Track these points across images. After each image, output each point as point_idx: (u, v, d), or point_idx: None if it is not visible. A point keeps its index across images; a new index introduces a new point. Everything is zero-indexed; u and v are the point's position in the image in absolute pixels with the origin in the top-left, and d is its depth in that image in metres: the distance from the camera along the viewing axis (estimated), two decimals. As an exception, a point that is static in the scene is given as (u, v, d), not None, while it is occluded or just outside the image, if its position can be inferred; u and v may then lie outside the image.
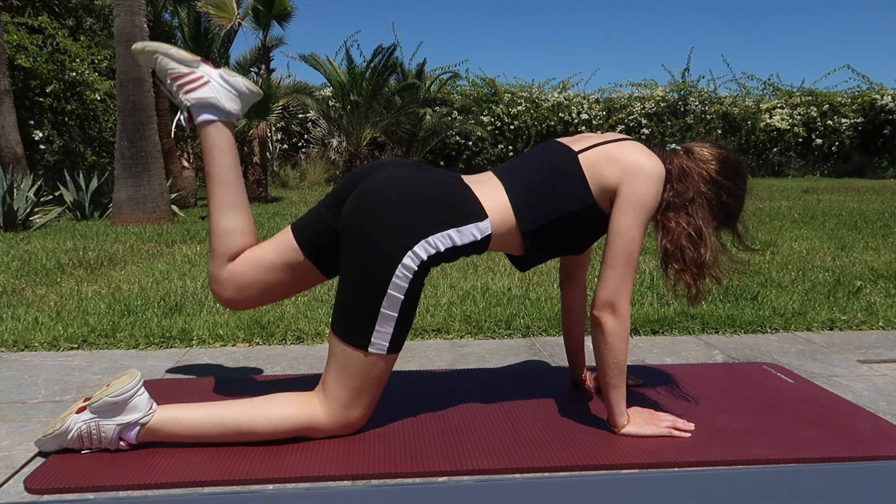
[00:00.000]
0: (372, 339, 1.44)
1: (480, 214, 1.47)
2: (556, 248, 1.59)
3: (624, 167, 1.47)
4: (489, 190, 1.52)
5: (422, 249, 1.42)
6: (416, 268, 1.42)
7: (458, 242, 1.45)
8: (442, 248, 1.44)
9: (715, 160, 1.58)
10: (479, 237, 1.47)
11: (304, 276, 1.64)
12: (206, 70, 1.63)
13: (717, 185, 1.56)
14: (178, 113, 1.66)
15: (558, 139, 1.63)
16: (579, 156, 1.52)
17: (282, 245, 1.61)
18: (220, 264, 1.63)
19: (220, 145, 1.63)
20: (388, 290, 1.42)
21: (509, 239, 1.53)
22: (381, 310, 1.43)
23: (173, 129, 1.76)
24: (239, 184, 1.65)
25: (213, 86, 1.61)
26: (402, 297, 1.43)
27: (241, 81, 1.64)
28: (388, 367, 1.49)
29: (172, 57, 1.63)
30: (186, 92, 1.61)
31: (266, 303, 1.69)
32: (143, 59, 1.66)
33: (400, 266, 1.41)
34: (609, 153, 1.51)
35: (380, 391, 1.51)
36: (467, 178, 1.55)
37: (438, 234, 1.44)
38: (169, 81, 1.64)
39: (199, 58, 1.65)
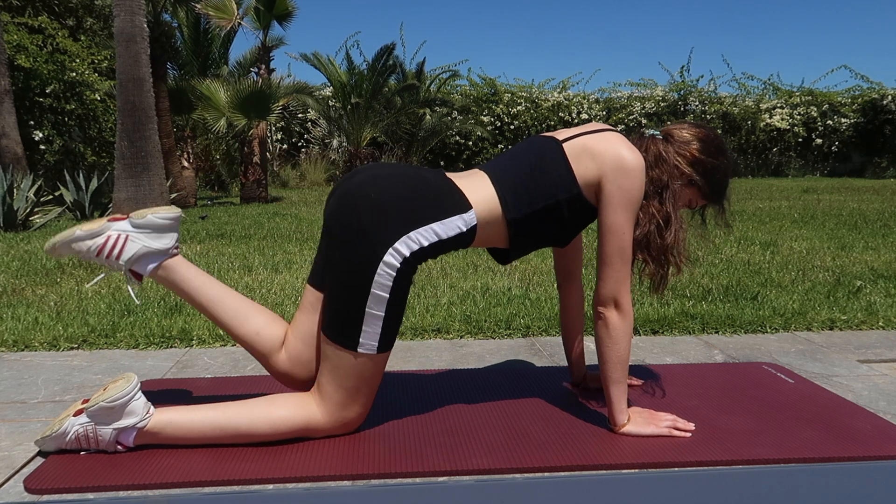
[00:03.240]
0: (360, 340, 1.43)
1: (464, 206, 1.46)
2: (540, 240, 1.58)
3: (606, 161, 1.47)
4: (474, 182, 1.51)
5: (404, 246, 1.40)
6: (399, 265, 1.40)
7: (443, 236, 1.44)
8: (426, 244, 1.42)
9: (696, 140, 1.59)
10: (464, 229, 1.46)
11: None
12: (116, 227, 1.54)
13: (702, 165, 1.58)
14: (127, 283, 1.58)
15: (541, 133, 1.64)
16: (563, 144, 1.53)
17: (311, 303, 1.55)
18: (276, 361, 1.56)
19: (183, 276, 1.57)
20: (372, 290, 1.40)
21: (495, 230, 1.52)
22: (367, 309, 1.41)
23: (134, 298, 1.63)
24: (229, 293, 1.58)
25: (133, 237, 1.54)
26: (388, 295, 1.41)
27: (151, 217, 1.53)
28: (381, 365, 1.48)
29: (83, 237, 1.54)
30: (116, 258, 1.53)
31: None
32: (62, 252, 1.56)
33: (381, 264, 1.39)
34: (590, 144, 1.51)
35: (375, 389, 1.50)
36: (451, 174, 1.55)
37: (421, 229, 1.42)
38: (97, 258, 1.54)
39: (104, 219, 1.57)
